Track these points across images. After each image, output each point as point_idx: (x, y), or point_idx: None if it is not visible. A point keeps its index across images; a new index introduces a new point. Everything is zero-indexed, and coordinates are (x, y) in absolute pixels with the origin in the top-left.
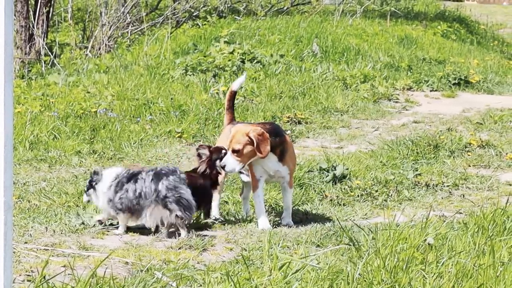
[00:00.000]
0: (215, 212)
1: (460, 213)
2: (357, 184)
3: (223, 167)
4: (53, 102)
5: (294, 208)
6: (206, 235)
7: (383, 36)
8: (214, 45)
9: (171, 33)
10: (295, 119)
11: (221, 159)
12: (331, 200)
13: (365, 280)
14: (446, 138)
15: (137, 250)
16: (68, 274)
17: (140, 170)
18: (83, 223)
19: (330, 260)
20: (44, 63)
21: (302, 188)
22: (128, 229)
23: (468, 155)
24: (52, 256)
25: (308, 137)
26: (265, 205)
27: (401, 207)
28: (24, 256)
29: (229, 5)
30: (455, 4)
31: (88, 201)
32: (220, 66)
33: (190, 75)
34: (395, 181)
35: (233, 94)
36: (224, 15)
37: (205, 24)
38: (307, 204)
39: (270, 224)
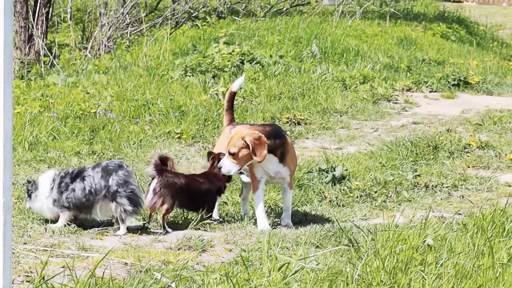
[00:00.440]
0: (214, 213)
1: (460, 214)
2: (357, 185)
3: (219, 169)
4: (52, 103)
5: (293, 209)
6: (205, 236)
7: (383, 37)
8: (213, 46)
9: (170, 34)
10: (294, 120)
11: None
12: (330, 201)
13: (364, 281)
14: (446, 139)
15: (136, 251)
16: (67, 274)
17: (83, 168)
18: (82, 224)
19: (329, 261)
20: (44, 63)
21: (301, 189)
22: (128, 230)
23: (468, 156)
24: (51, 256)
25: (308, 138)
26: (265, 206)
27: (400, 208)
28: (23, 256)
29: (228, 6)
30: (455, 5)
31: (30, 207)
32: (220, 67)
33: (189, 76)
34: (395, 182)
35: (233, 95)
36: (223, 16)
37: (204, 25)
38: (307, 205)
39: (270, 225)
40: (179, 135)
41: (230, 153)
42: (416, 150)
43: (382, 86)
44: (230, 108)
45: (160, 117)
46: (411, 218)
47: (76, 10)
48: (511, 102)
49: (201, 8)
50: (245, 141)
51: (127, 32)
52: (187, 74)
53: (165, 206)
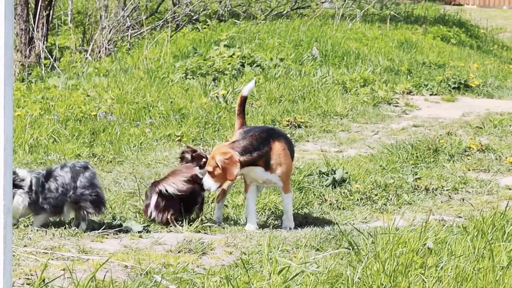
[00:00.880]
0: (217, 214)
1: (460, 217)
2: (357, 188)
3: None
4: (53, 106)
5: (293, 212)
6: (205, 239)
7: (383, 40)
8: (213, 49)
9: (171, 36)
10: (294, 123)
11: (200, 167)
12: (330, 204)
13: (364, 284)
14: (446, 142)
15: (137, 254)
16: (68, 277)
17: (51, 169)
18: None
19: (330, 264)
20: (44, 66)
21: (301, 191)
22: (128, 233)
23: (468, 159)
24: (52, 259)
25: (308, 141)
26: (265, 209)
27: (401, 211)
28: (24, 259)
29: (229, 9)
30: (455, 8)
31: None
32: (220, 70)
33: (189, 79)
34: (395, 185)
35: (244, 99)
36: (224, 18)
37: (205, 28)
38: (307, 208)
39: (270, 227)
40: (179, 137)
41: (208, 172)
42: (416, 153)
43: (382, 89)
44: (242, 112)
45: (160, 120)
46: (412, 221)
47: (76, 12)
48: (511, 105)
49: (201, 11)
50: (215, 161)
51: (127, 35)
52: (187, 77)
53: (169, 217)
